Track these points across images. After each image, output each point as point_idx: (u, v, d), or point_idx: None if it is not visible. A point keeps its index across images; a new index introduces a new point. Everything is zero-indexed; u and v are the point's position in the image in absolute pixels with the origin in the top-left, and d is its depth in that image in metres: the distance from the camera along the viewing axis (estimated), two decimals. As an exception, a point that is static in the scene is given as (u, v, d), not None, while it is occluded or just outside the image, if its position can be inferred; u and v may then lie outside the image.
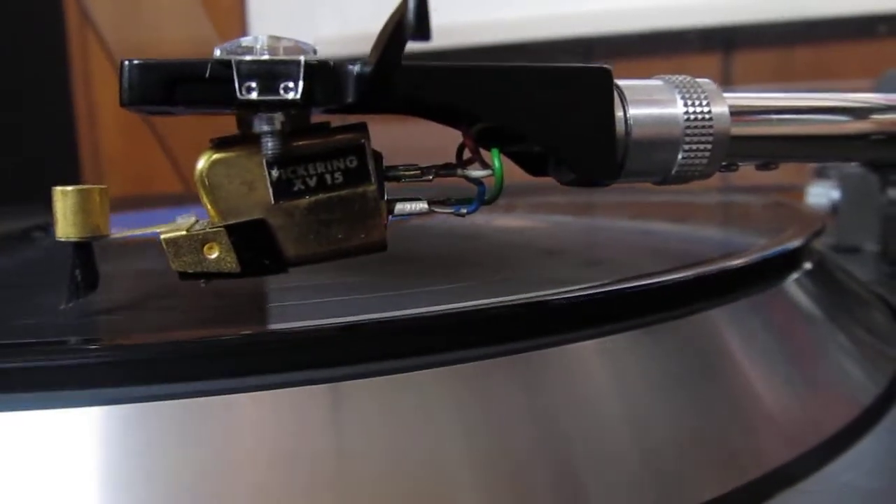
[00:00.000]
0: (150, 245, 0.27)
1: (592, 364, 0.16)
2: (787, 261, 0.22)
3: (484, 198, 0.16)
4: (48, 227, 0.33)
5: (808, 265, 0.22)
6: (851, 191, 0.35)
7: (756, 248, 0.21)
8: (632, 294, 0.17)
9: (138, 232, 0.16)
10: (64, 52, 0.83)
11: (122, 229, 0.16)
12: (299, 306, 0.17)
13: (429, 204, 0.16)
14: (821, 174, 0.39)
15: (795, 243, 0.22)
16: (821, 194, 0.37)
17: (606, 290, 0.17)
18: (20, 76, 0.76)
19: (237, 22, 0.77)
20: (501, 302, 0.16)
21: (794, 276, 0.21)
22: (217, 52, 0.14)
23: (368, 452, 0.13)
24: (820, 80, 0.57)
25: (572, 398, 0.15)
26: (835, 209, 0.36)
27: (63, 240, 0.15)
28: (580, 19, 0.62)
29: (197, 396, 0.13)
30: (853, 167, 0.35)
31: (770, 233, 0.24)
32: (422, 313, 0.15)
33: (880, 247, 0.32)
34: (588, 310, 0.17)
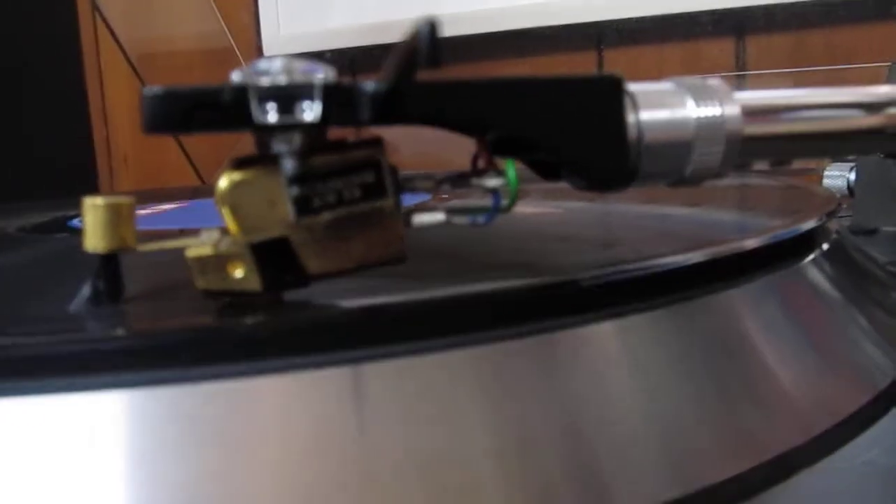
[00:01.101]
0: (164, 236, 0.27)
1: (611, 344, 0.16)
2: (804, 241, 0.22)
3: (499, 207, 0.16)
4: (66, 220, 0.33)
5: (825, 246, 0.22)
6: (868, 173, 0.35)
7: (772, 228, 0.21)
8: (649, 275, 0.17)
9: (167, 245, 0.16)
10: (76, 48, 0.83)
11: (149, 243, 0.16)
12: (319, 291, 0.17)
13: (445, 215, 0.17)
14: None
15: (811, 223, 0.22)
16: (837, 176, 0.37)
17: (624, 272, 0.17)
18: (33, 73, 0.77)
19: (248, 15, 0.77)
20: (521, 284, 0.16)
21: (811, 256, 0.21)
22: (234, 77, 0.14)
23: (390, 432, 0.14)
24: (834, 63, 0.56)
25: (590, 378, 0.15)
26: (851, 191, 0.36)
27: (92, 252, 0.15)
28: (591, 5, 0.62)
29: (218, 380, 0.13)
30: (869, 149, 0.35)
31: (786, 214, 0.24)
32: (441, 295, 0.15)
33: (897, 228, 0.32)
34: (606, 291, 0.17)
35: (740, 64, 0.60)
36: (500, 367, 0.15)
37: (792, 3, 0.57)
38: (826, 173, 0.37)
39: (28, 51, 0.75)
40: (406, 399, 0.14)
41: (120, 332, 0.15)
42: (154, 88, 0.14)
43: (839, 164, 0.37)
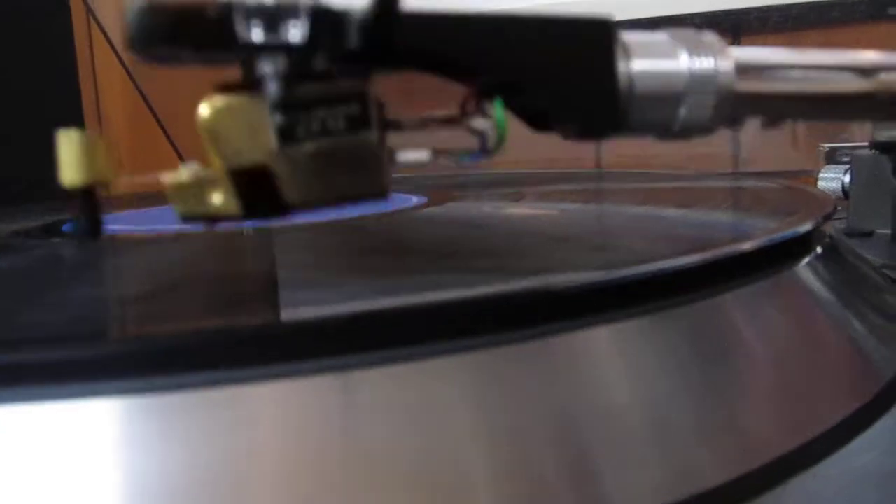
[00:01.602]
0: (155, 240, 0.27)
1: (604, 349, 0.16)
2: (799, 244, 0.22)
3: (486, 148, 0.16)
4: (59, 224, 0.33)
5: (819, 249, 0.22)
6: (863, 175, 0.35)
7: (767, 231, 0.21)
8: (644, 279, 0.17)
9: (146, 180, 0.16)
10: (70, 50, 0.83)
11: (126, 178, 0.16)
12: (310, 296, 0.17)
13: (431, 153, 0.16)
14: (832, 159, 0.38)
15: (806, 226, 0.22)
16: (833, 179, 0.37)
17: (618, 276, 0.17)
18: (26, 75, 0.76)
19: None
20: (513, 288, 0.16)
21: (806, 259, 0.21)
22: None
23: (380, 440, 0.13)
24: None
25: (584, 382, 0.15)
26: (847, 193, 0.36)
27: (68, 185, 0.15)
28: (585, 6, 0.62)
29: (209, 386, 0.13)
30: (865, 151, 0.35)
31: (781, 216, 0.24)
32: (432, 301, 0.15)
33: (892, 231, 0.32)
34: (600, 295, 0.16)
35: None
36: (493, 374, 0.15)
37: (786, 5, 0.57)
38: (821, 175, 0.37)
39: (21, 53, 0.74)
40: (397, 406, 0.14)
41: (109, 338, 0.15)
42: (140, 1, 0.14)
43: (834, 166, 0.37)
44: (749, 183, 0.34)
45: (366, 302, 0.16)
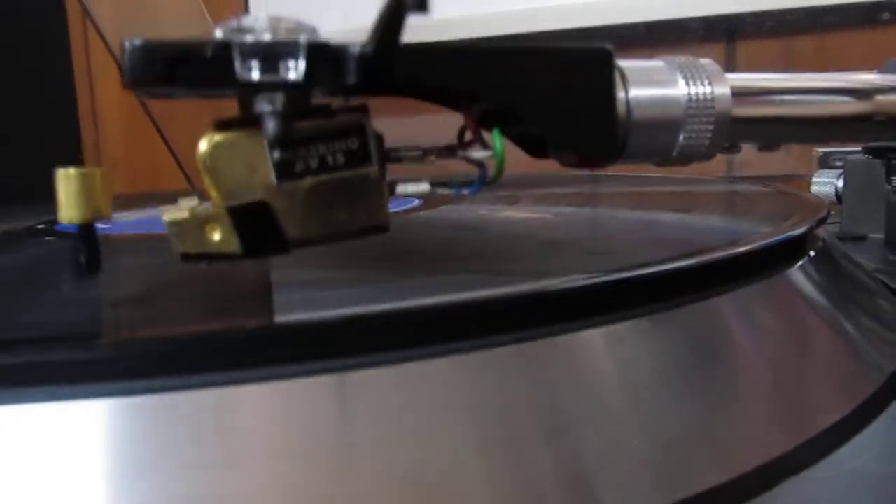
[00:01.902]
0: (151, 240, 0.27)
1: (599, 352, 0.16)
2: (792, 248, 0.22)
3: (485, 179, 0.16)
4: (52, 224, 0.33)
5: (812, 252, 0.22)
6: (856, 179, 0.35)
7: (760, 235, 0.21)
8: (637, 282, 0.17)
9: (142, 215, 0.16)
10: (66, 51, 0.83)
11: (125, 214, 0.16)
12: (304, 299, 0.17)
13: (431, 185, 0.16)
14: (826, 163, 0.39)
15: (800, 230, 0.22)
16: (826, 183, 0.37)
17: (611, 279, 0.17)
18: (23, 76, 0.76)
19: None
20: (508, 291, 0.16)
21: (799, 263, 0.21)
22: (218, 33, 0.14)
23: (376, 442, 0.13)
24: (823, 68, 0.56)
25: (579, 385, 0.15)
26: (840, 198, 0.36)
27: (66, 223, 0.15)
28: (583, 10, 0.62)
29: (203, 389, 0.13)
30: (858, 155, 0.35)
31: (774, 220, 0.24)
32: (427, 304, 0.15)
33: (885, 235, 0.32)
34: (594, 298, 0.17)
35: (731, 69, 0.60)
36: (488, 376, 0.15)
37: (781, 10, 0.57)
38: (814, 180, 0.37)
39: (17, 54, 0.74)
40: (392, 408, 0.14)
41: (102, 341, 0.15)
42: (135, 40, 0.14)
43: (828, 171, 0.37)
44: (743, 187, 0.34)
45: (360, 305, 0.16)
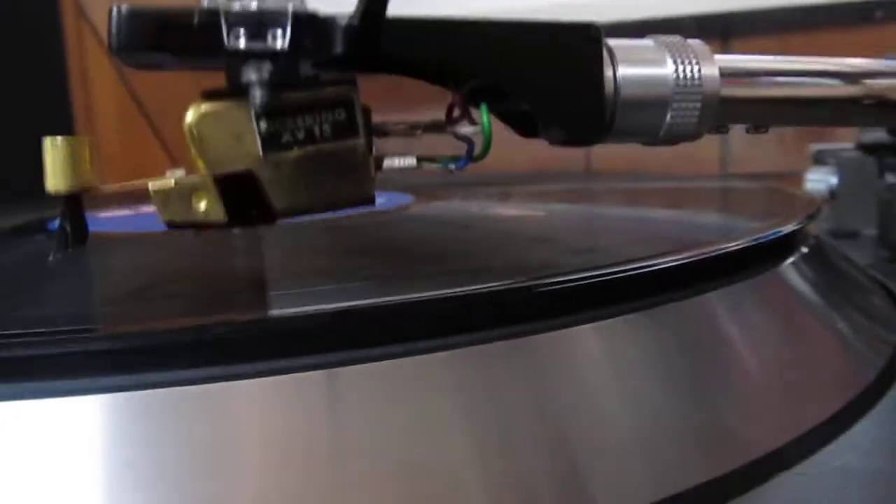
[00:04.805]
0: (143, 239, 0.27)
1: (590, 347, 0.16)
2: (784, 244, 0.22)
3: (472, 155, 0.16)
4: (46, 222, 0.33)
5: (804, 249, 0.22)
6: (849, 176, 0.35)
7: (752, 231, 0.21)
8: (629, 278, 0.17)
9: (130, 185, 0.16)
10: (61, 48, 0.83)
11: (112, 185, 0.16)
12: (293, 294, 0.17)
13: (417, 160, 0.16)
14: (819, 160, 0.39)
15: (791, 226, 0.22)
16: (819, 180, 0.37)
17: (603, 274, 0.17)
18: (17, 74, 0.76)
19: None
20: (498, 286, 0.16)
21: (791, 259, 0.21)
22: (205, 1, 0.14)
23: (366, 437, 0.13)
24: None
25: (570, 380, 0.15)
26: (833, 195, 0.36)
27: (53, 192, 0.15)
28: (576, 8, 0.62)
29: (196, 383, 0.13)
30: (851, 152, 0.35)
31: (766, 217, 0.24)
32: (418, 298, 0.15)
33: (878, 231, 0.32)
34: (586, 293, 0.17)
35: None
36: (479, 370, 0.15)
37: (774, 9, 0.57)
38: (808, 177, 0.37)
39: (11, 52, 0.74)
40: (383, 403, 0.14)
41: (95, 335, 0.15)
42: (123, 6, 0.14)
43: (821, 167, 0.37)
44: (735, 184, 0.34)
45: (351, 300, 0.16)
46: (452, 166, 0.16)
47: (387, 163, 0.16)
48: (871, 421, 0.18)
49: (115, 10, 0.14)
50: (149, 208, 0.35)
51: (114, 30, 0.14)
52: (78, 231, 0.16)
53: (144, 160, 0.80)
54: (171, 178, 0.15)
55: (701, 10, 0.58)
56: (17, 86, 0.75)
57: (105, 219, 0.32)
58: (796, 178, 0.39)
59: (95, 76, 0.85)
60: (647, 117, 0.17)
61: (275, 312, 0.16)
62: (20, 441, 0.13)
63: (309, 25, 0.14)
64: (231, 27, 0.14)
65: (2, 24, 0.75)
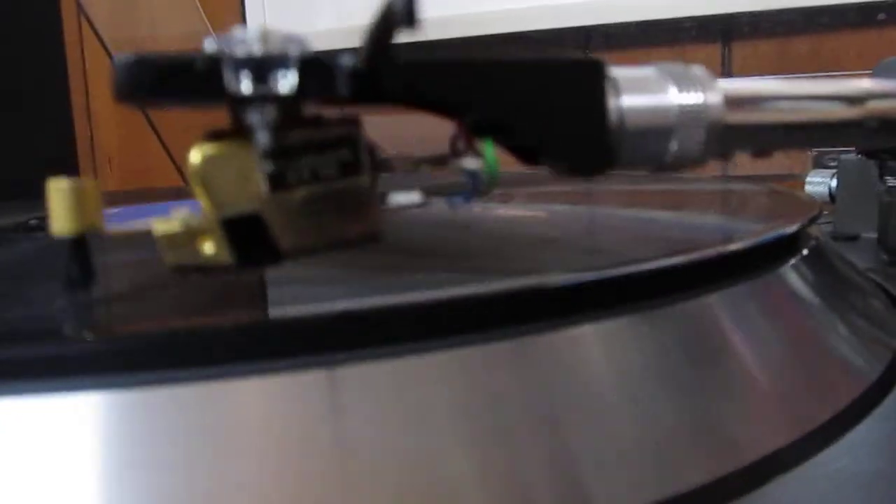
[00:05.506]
0: (143, 236, 0.27)
1: (590, 348, 0.16)
2: (784, 246, 0.22)
3: (478, 188, 0.16)
4: (44, 220, 0.33)
5: (805, 251, 0.22)
6: (850, 179, 0.35)
7: (752, 233, 0.21)
8: (629, 279, 0.17)
9: (136, 228, 0.16)
10: (60, 47, 0.83)
11: (118, 224, 0.16)
12: (294, 294, 0.17)
13: (422, 195, 0.16)
14: (819, 163, 0.39)
15: (792, 228, 0.22)
16: (819, 183, 0.37)
17: (603, 276, 0.17)
18: (17, 73, 0.76)
19: (234, 16, 0.77)
20: (499, 287, 0.16)
21: (792, 261, 0.21)
22: (208, 46, 0.14)
23: (367, 437, 0.13)
24: (819, 69, 0.57)
25: (569, 381, 0.15)
26: (833, 198, 0.36)
27: (59, 236, 0.15)
28: (578, 9, 0.62)
29: (195, 383, 0.13)
30: (851, 155, 0.35)
31: (767, 219, 0.24)
32: (418, 299, 0.15)
33: (878, 235, 0.32)
34: (586, 295, 0.17)
35: (726, 69, 0.60)
36: (479, 371, 0.15)
37: (776, 11, 0.57)
38: (808, 179, 0.37)
39: (11, 51, 0.74)
40: (383, 403, 0.14)
41: (93, 334, 0.15)
42: (125, 55, 0.14)
43: (821, 170, 0.37)
44: (736, 186, 0.34)
45: (352, 299, 0.16)
46: (458, 200, 0.16)
47: (392, 199, 0.16)
48: (871, 424, 0.18)
49: (117, 60, 0.14)
50: (146, 206, 0.35)
51: (117, 79, 0.14)
52: (85, 273, 0.16)
53: (144, 160, 0.80)
54: (175, 220, 0.15)
55: (702, 12, 0.58)
56: (16, 86, 0.75)
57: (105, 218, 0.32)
58: (796, 180, 0.39)
59: (95, 75, 0.85)
60: (652, 146, 0.17)
61: (275, 312, 0.16)
62: (20, 441, 0.13)
63: (313, 68, 0.14)
64: (234, 72, 0.14)
65: (2, 24, 0.75)
